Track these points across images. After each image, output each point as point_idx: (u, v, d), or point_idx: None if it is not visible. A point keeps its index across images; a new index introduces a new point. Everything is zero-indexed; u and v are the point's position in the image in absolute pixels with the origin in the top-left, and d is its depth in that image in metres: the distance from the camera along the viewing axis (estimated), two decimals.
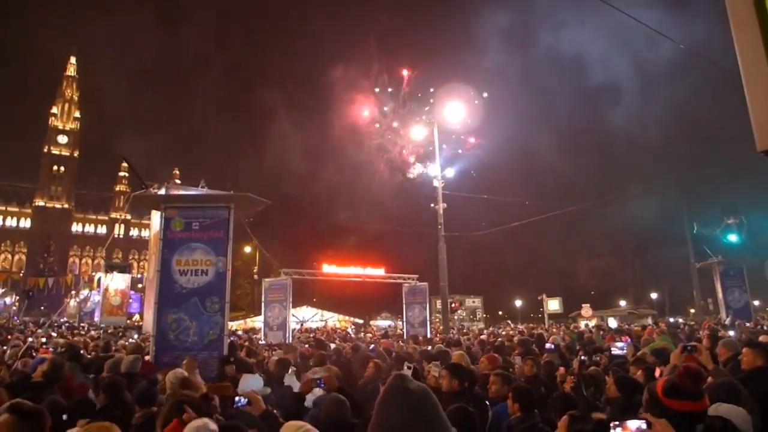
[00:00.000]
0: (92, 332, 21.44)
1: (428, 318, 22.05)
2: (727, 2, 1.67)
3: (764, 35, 1.58)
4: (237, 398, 3.94)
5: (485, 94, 24.15)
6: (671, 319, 33.01)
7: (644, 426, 2.14)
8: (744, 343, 5.84)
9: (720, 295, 21.60)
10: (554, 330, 21.15)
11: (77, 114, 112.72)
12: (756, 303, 33.20)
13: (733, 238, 22.78)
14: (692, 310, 43.74)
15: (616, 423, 2.22)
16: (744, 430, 2.83)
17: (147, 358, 7.96)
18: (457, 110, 23.01)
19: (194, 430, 3.10)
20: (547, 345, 9.09)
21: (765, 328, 15.83)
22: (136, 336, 17.20)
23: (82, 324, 35.17)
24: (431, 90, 24.04)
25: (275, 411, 4.12)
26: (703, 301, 32.94)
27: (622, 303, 58.21)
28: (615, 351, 6.95)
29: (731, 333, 11.73)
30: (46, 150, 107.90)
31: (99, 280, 43.56)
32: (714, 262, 22.20)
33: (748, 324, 17.46)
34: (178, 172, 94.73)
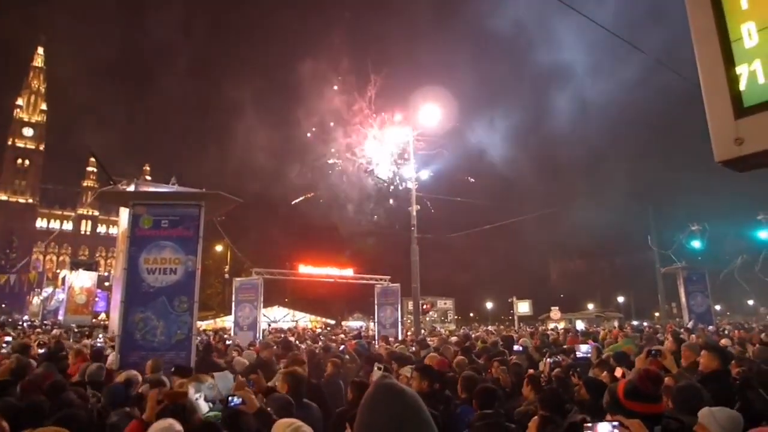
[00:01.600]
0: (55, 331, 20.89)
1: (400, 319, 22.12)
2: (689, 14, 1.72)
3: (723, 49, 1.64)
4: (230, 398, 3.93)
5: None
6: (635, 323, 33.84)
7: (615, 428, 2.18)
8: (701, 346, 6.01)
9: (683, 299, 22.19)
10: (523, 332, 21.47)
11: (44, 106, 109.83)
12: (717, 307, 34.24)
13: (696, 244, 23.39)
14: (657, 314, 44.86)
15: (588, 425, 2.26)
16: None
17: (110, 359, 7.80)
18: (431, 113, 23.10)
19: (160, 430, 3.06)
20: (515, 347, 9.21)
21: (725, 332, 16.32)
22: (101, 336, 16.80)
23: (45, 322, 34.26)
24: (406, 90, 24.24)
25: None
26: (667, 305, 33.79)
27: (590, 306, 59.42)
28: (579, 354, 7.08)
29: (694, 337, 12.06)
30: (10, 143, 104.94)
31: (64, 277, 42.46)
32: (678, 268, 22.79)
33: (711, 327, 17.99)
34: (148, 168, 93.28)
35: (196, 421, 3.61)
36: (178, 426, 3.15)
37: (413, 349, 10.64)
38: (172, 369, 5.71)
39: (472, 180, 25.39)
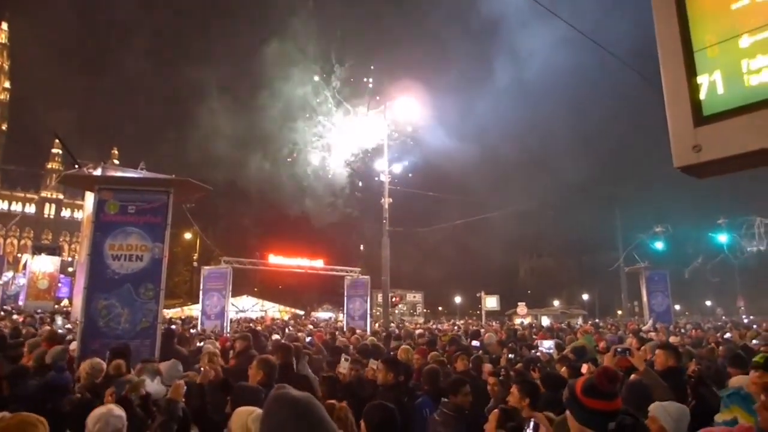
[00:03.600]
0: (15, 316, 20.31)
1: (369, 311, 22.22)
2: (655, 23, 1.77)
3: (686, 58, 1.69)
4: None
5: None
6: (596, 321, 34.75)
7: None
8: (658, 344, 6.22)
9: (645, 298, 22.81)
10: (489, 327, 21.75)
11: (7, 84, 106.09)
12: (677, 307, 35.32)
13: (659, 245, 24.09)
14: (619, 312, 46.05)
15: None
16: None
17: (72, 346, 7.65)
18: (406, 106, 23.14)
19: (97, 418, 3.03)
20: (474, 342, 9.21)
21: (683, 330, 16.83)
22: (59, 321, 16.41)
23: (5, 307, 33.27)
24: (373, 82, 24.21)
25: None
26: (629, 304, 34.75)
27: (556, 303, 60.58)
28: (542, 349, 7.23)
29: (652, 335, 12.44)
30: None
31: (26, 262, 41.29)
32: (641, 268, 23.43)
33: (671, 327, 18.53)
34: (116, 152, 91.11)
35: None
36: (117, 411, 3.14)
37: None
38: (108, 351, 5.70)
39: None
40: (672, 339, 9.96)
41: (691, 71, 1.67)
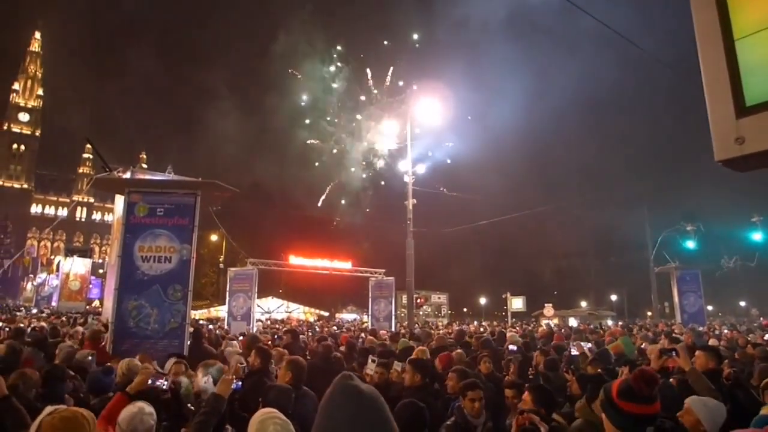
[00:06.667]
0: (52, 318, 20.81)
1: (393, 312, 22.19)
2: (693, 12, 1.71)
3: (727, 47, 1.62)
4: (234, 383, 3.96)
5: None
6: (621, 323, 34.08)
7: None
8: (696, 346, 6.04)
9: (676, 299, 22.26)
10: (513, 330, 21.51)
11: (40, 92, 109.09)
12: (709, 308, 34.44)
13: (690, 244, 23.53)
14: (649, 313, 45.09)
15: None
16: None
17: (103, 343, 7.80)
18: (430, 107, 23.05)
19: (130, 417, 3.03)
20: (511, 347, 9.01)
21: (717, 332, 16.37)
22: (92, 321, 16.72)
23: (44, 308, 34.22)
24: (402, 83, 24.21)
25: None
26: (660, 305, 33.96)
27: (584, 304, 59.59)
28: (574, 352, 7.07)
29: (684, 337, 12.09)
30: (5, 127, 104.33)
31: (58, 264, 42.41)
32: (672, 267, 22.86)
33: (701, 328, 18.04)
34: (144, 156, 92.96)
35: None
36: (148, 408, 3.15)
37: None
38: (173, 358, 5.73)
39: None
40: (711, 342, 9.66)
41: (732, 61, 1.61)
